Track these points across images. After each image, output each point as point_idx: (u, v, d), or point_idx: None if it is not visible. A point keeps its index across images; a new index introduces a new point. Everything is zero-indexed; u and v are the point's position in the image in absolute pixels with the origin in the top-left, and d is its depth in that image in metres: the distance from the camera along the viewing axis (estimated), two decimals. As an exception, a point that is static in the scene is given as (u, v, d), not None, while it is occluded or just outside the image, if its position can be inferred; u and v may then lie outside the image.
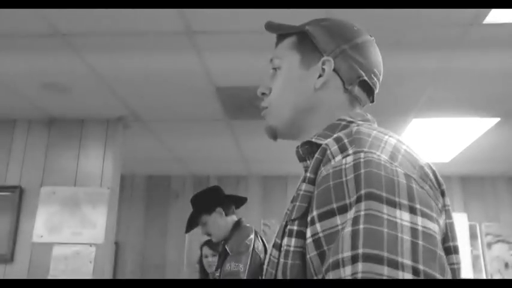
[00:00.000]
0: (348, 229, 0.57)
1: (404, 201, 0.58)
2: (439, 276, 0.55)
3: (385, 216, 0.56)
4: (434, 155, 3.78)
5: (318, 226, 0.61)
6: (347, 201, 0.60)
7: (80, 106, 2.89)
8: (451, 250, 0.66)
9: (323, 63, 0.80)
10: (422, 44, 2.16)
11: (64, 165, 2.99)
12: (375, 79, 0.83)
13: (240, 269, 2.13)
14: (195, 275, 4.47)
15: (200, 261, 2.89)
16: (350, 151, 0.64)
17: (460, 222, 4.27)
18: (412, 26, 2.02)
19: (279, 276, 0.68)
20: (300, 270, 0.64)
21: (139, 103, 2.86)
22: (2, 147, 3.05)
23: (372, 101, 0.87)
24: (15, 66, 2.41)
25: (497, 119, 2.98)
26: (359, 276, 0.54)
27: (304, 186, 0.69)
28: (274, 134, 0.85)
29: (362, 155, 0.63)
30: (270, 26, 0.87)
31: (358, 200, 0.59)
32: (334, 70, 0.80)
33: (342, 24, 0.83)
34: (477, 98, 2.69)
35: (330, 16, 1.80)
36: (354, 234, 0.56)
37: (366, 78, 0.81)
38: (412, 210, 0.58)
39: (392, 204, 0.58)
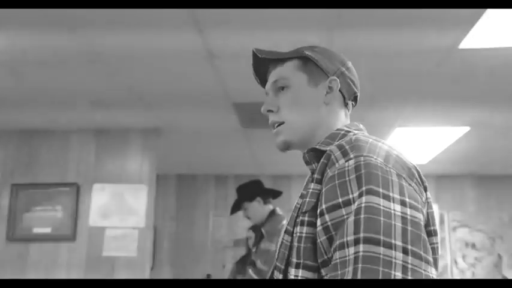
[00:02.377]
0: (352, 218, 0.59)
1: (397, 196, 0.60)
2: (423, 254, 0.57)
3: (382, 208, 0.58)
4: (414, 158, 3.69)
5: (326, 217, 0.62)
6: (350, 197, 0.61)
7: (123, 119, 2.88)
8: (431, 233, 0.67)
9: (330, 82, 0.77)
10: (407, 70, 2.14)
11: (111, 167, 3.01)
12: (359, 94, 0.85)
13: (272, 247, 2.16)
14: (220, 252, 4.45)
15: (246, 240, 2.86)
16: (351, 155, 0.64)
17: (433, 211, 4.31)
18: (395, 56, 1.99)
19: (293, 257, 0.68)
20: (311, 252, 0.66)
21: (171, 117, 2.84)
22: (62, 153, 3.07)
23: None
24: (71, 87, 2.40)
25: (468, 128, 2.94)
26: (360, 254, 0.56)
27: (312, 186, 0.69)
28: (287, 147, 0.79)
29: (362, 158, 0.63)
30: (268, 54, 0.80)
31: (360, 195, 0.60)
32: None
33: (331, 51, 0.82)
34: (450, 111, 2.64)
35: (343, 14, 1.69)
36: (357, 222, 0.58)
37: (358, 93, 0.82)
38: (403, 203, 0.59)
39: (388, 198, 0.59)
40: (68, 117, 2.85)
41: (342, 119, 0.79)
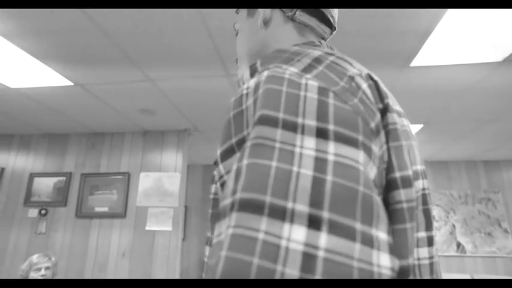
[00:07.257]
0: (234, 166, 0.29)
1: (311, 122, 0.28)
2: (358, 226, 0.24)
3: (278, 145, 0.27)
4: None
5: (221, 167, 0.33)
6: (245, 133, 0.31)
7: (162, 123, 2.91)
8: (396, 183, 0.31)
9: None
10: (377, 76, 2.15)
11: (153, 159, 3.01)
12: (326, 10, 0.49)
13: None
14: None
15: None
16: (258, 72, 0.37)
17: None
18: (366, 65, 1.98)
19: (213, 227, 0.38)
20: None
21: (197, 120, 2.85)
22: (117, 149, 3.10)
23: (334, 29, 0.51)
24: (125, 102, 2.50)
25: (421, 125, 2.97)
26: (229, 236, 0.26)
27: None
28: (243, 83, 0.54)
29: (266, 72, 0.34)
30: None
31: (252, 128, 0.30)
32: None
33: None
34: (408, 113, 2.68)
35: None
36: (237, 174, 0.28)
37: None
38: (322, 133, 0.28)
39: (291, 127, 0.28)
40: (122, 123, 2.92)
41: (291, 35, 0.48)
